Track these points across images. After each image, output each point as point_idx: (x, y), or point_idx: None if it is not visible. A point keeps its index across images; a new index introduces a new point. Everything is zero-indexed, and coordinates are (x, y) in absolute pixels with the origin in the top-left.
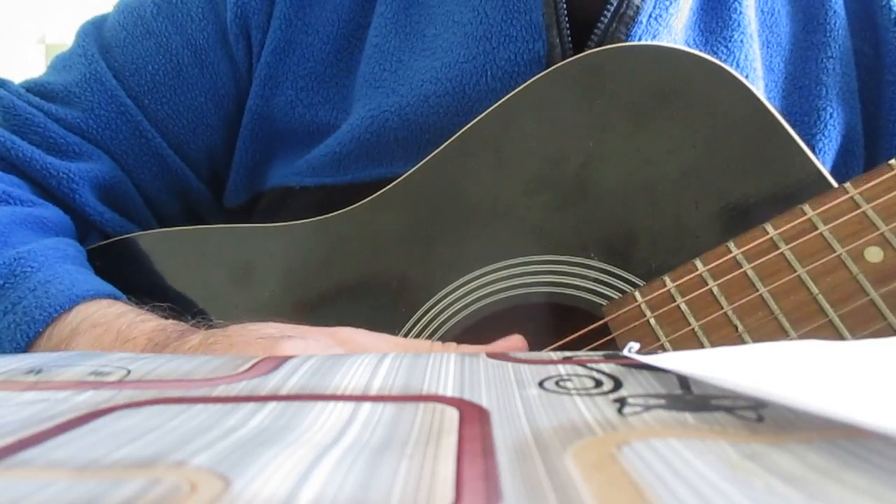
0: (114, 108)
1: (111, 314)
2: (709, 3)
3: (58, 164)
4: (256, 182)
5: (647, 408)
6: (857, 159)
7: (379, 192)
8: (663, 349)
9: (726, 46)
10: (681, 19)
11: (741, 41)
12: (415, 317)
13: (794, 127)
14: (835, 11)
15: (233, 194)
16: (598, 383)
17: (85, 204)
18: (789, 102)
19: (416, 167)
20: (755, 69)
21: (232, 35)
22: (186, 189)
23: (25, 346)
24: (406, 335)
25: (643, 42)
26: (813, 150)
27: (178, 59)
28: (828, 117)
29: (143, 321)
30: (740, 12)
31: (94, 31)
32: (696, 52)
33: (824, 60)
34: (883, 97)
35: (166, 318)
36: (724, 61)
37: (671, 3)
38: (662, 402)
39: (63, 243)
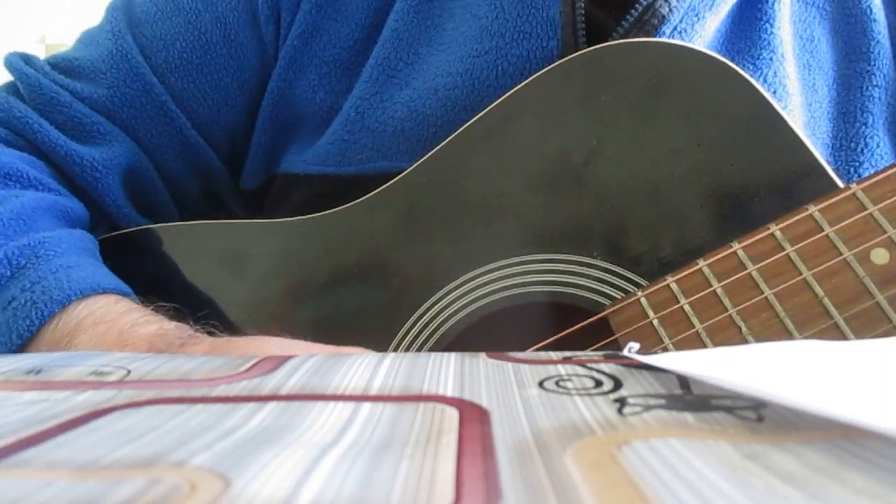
0: (139, 86)
1: (115, 312)
2: (738, 26)
3: (83, 151)
4: (273, 165)
5: (647, 408)
6: None
7: (380, 189)
8: (666, 351)
9: (753, 64)
10: (704, 38)
11: (770, 59)
12: (416, 314)
13: (839, 153)
14: (878, 41)
15: (250, 176)
16: (598, 383)
17: (106, 194)
18: (834, 126)
19: (418, 164)
20: (785, 86)
21: (263, 16)
22: (207, 169)
23: (39, 324)
24: (407, 332)
25: (646, 39)
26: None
27: (207, 38)
28: (875, 146)
29: (146, 322)
30: (771, 32)
31: (124, 6)
32: (700, 48)
33: (870, 88)
34: None
35: (170, 318)
36: (751, 75)
37: (698, 21)
38: (662, 402)
39: (86, 237)
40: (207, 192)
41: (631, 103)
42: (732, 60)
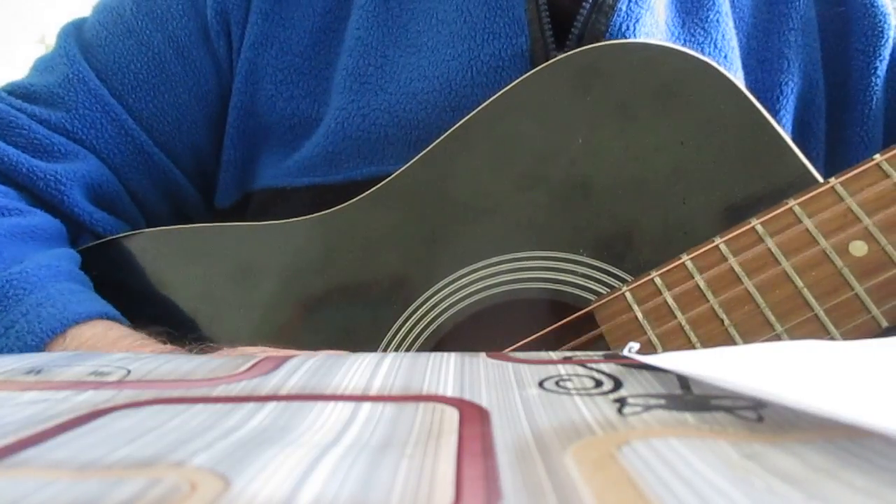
0: (98, 107)
1: (107, 340)
2: None
3: (44, 166)
4: (247, 181)
5: (647, 408)
6: (814, 132)
7: (371, 190)
8: (651, 343)
9: (703, 27)
10: (660, 4)
11: (717, 20)
12: (406, 312)
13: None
14: None
15: (224, 194)
16: (598, 383)
17: (74, 206)
18: (753, 78)
19: (409, 164)
20: (732, 48)
21: (213, 31)
22: (175, 188)
23: None
24: (398, 331)
25: (634, 40)
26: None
27: (161, 57)
28: (790, 92)
29: (140, 347)
30: None
31: (75, 32)
32: (686, 49)
33: (786, 33)
34: (851, 65)
35: (164, 343)
36: (703, 42)
37: None
38: (662, 402)
39: (55, 258)
40: (176, 213)
41: (616, 103)
42: (685, 24)
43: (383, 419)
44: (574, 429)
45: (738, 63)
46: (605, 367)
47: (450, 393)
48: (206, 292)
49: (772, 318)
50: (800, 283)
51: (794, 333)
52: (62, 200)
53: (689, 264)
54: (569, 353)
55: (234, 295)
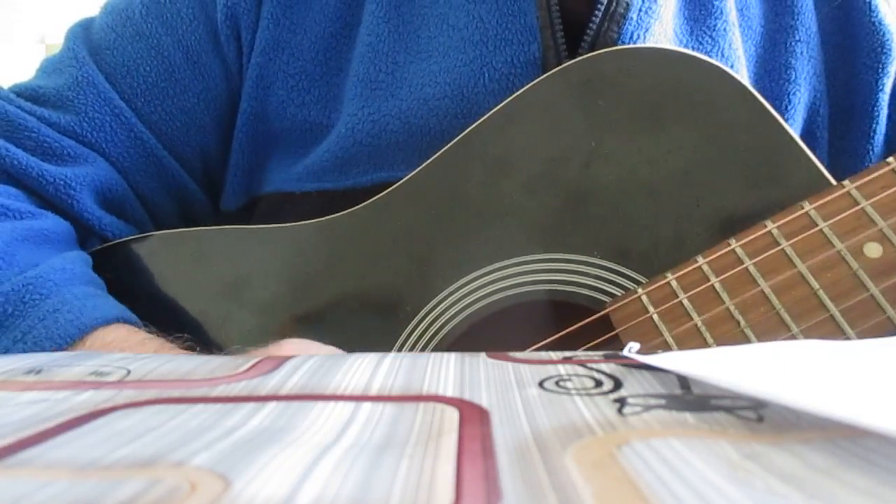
0: (108, 110)
1: (131, 343)
2: None
3: (54, 170)
4: (254, 185)
5: (647, 408)
6: (818, 142)
7: (382, 194)
8: (666, 345)
9: (710, 36)
10: (668, 9)
11: (724, 29)
12: (419, 315)
13: None
14: None
15: (231, 198)
16: (598, 383)
17: (83, 210)
18: (761, 87)
19: (419, 168)
20: (739, 57)
21: (223, 36)
22: (183, 191)
23: None
24: (410, 334)
25: (645, 45)
26: None
27: (170, 61)
28: (797, 102)
29: (166, 351)
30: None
31: (83, 34)
32: (696, 54)
33: (793, 44)
34: (858, 78)
35: (188, 349)
36: (710, 50)
37: None
38: (662, 402)
39: (69, 261)
40: (184, 215)
41: (628, 107)
42: (693, 32)
43: (383, 419)
44: (574, 429)
45: (744, 72)
46: (605, 367)
47: (450, 393)
48: (214, 295)
49: (788, 320)
50: (815, 285)
51: (810, 334)
52: (71, 205)
53: (705, 266)
54: (569, 353)
55: (241, 299)
